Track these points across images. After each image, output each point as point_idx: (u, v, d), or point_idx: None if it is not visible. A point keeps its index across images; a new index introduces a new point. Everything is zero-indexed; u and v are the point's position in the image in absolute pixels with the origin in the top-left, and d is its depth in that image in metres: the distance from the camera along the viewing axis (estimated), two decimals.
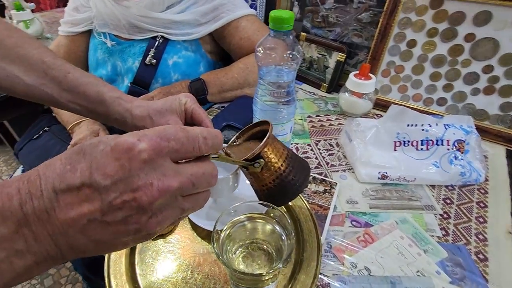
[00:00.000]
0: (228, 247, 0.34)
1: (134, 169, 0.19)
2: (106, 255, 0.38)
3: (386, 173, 0.49)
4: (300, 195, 0.46)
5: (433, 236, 0.42)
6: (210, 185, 0.24)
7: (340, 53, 0.72)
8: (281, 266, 0.28)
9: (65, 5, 1.58)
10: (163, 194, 0.19)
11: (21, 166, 0.77)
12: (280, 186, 0.33)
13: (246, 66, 0.70)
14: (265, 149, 0.32)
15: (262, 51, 0.45)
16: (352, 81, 0.63)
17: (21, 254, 0.18)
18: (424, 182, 0.50)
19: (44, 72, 0.39)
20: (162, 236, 0.41)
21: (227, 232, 0.33)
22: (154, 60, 0.72)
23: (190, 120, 0.42)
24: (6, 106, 0.81)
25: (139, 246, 0.40)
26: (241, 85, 0.70)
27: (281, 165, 0.33)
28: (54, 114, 0.79)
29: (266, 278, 0.30)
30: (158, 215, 0.20)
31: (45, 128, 0.78)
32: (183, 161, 0.22)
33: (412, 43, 0.64)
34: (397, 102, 0.69)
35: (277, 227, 0.33)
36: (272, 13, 0.41)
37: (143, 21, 0.70)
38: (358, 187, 0.50)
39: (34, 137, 0.76)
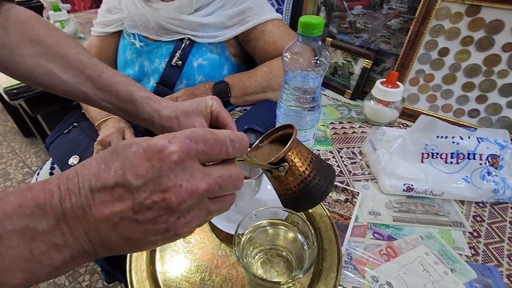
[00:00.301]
0: (248, 251, 0.34)
1: (164, 170, 0.19)
2: (128, 255, 0.39)
3: (411, 185, 0.48)
4: (321, 203, 0.45)
5: (461, 254, 0.40)
6: (236, 188, 0.24)
7: (366, 60, 0.71)
8: (301, 276, 0.28)
9: (97, 7, 1.65)
10: (191, 195, 0.20)
11: (51, 158, 0.81)
12: (305, 190, 0.33)
13: (270, 70, 0.70)
14: (290, 153, 0.32)
15: (289, 56, 0.44)
16: (379, 88, 0.62)
17: (59, 248, 0.19)
18: (452, 197, 0.48)
19: (80, 71, 0.41)
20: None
21: (248, 236, 0.33)
22: (180, 62, 0.74)
23: (215, 123, 0.42)
24: (40, 101, 0.86)
25: None
26: (264, 89, 0.70)
27: (306, 169, 0.32)
28: (83, 111, 0.83)
29: (285, 286, 0.30)
30: (185, 216, 0.21)
31: (75, 123, 0.82)
32: (211, 164, 0.23)
33: (444, 52, 0.62)
34: (425, 112, 0.66)
35: (299, 236, 0.33)
36: (302, 19, 0.41)
37: (171, 23, 0.72)
38: (381, 198, 0.48)
39: (64, 131, 0.79)
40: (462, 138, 0.48)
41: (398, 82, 0.62)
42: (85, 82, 0.41)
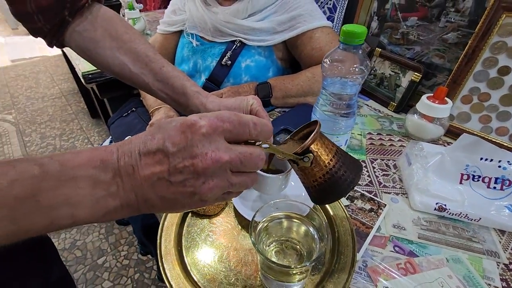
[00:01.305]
0: (263, 239, 0.36)
1: (195, 140, 0.23)
2: (161, 222, 0.44)
3: (445, 205, 0.45)
4: (344, 209, 0.46)
5: (490, 285, 0.38)
6: (256, 166, 0.26)
7: (415, 73, 0.68)
8: (307, 264, 0.30)
9: (165, 7, 1.82)
10: (215, 163, 0.23)
11: (110, 137, 0.93)
12: (331, 181, 0.33)
13: (313, 76, 0.71)
14: (314, 144, 0.32)
15: (329, 62, 0.46)
16: (424, 103, 0.59)
17: (113, 196, 0.24)
18: (491, 225, 0.45)
19: (146, 64, 0.48)
20: (209, 216, 0.46)
21: (265, 225, 0.36)
22: (229, 62, 0.79)
23: None
24: (108, 86, 0.99)
25: (188, 220, 0.45)
26: (305, 93, 0.72)
27: (331, 160, 0.33)
28: (141, 98, 0.93)
29: (294, 272, 0.32)
30: (209, 182, 0.24)
31: (133, 108, 0.92)
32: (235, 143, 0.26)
33: (504, 70, 0.57)
34: (476, 133, 0.62)
35: (311, 229, 0.34)
36: (345, 27, 0.42)
37: (226, 26, 0.78)
38: (409, 214, 0.47)
39: (124, 114, 0.90)
40: (510, 163, 0.45)
41: (446, 98, 0.59)
42: (148, 74, 0.48)
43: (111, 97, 1.04)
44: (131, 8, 1.20)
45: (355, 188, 0.51)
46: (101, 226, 1.41)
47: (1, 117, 2.22)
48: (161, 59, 0.49)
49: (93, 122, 2.14)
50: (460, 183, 0.47)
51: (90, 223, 0.24)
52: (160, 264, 0.38)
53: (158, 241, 0.41)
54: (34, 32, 0.47)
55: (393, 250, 0.42)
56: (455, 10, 0.62)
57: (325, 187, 0.34)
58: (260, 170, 0.41)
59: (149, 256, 1.27)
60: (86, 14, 0.47)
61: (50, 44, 0.49)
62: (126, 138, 0.26)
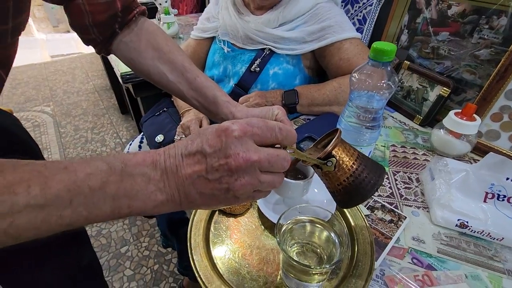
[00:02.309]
0: (287, 240, 0.39)
1: (228, 142, 0.26)
2: (191, 217, 0.48)
3: (467, 222, 0.46)
4: (364, 218, 0.47)
5: None
6: (283, 167, 0.29)
7: (444, 88, 0.68)
8: (327, 266, 0.32)
9: (197, 12, 1.90)
10: (246, 162, 0.27)
11: (141, 134, 0.99)
12: (355, 184, 0.35)
13: (339, 86, 0.73)
14: (336, 149, 0.34)
15: (357, 77, 0.48)
16: (452, 119, 0.59)
17: (161, 191, 0.28)
18: None
19: (182, 73, 0.52)
20: (234, 215, 0.49)
21: (289, 227, 0.38)
22: (258, 68, 0.82)
23: None
24: (143, 87, 1.06)
25: (215, 217, 0.49)
26: (331, 102, 0.73)
27: (353, 163, 0.35)
28: (172, 99, 0.99)
29: (313, 272, 0.34)
30: (241, 179, 0.27)
31: (165, 108, 0.98)
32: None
33: None
34: (505, 152, 0.61)
35: (333, 235, 0.36)
36: (375, 45, 0.44)
37: (257, 35, 0.81)
38: (429, 228, 0.48)
39: (156, 114, 0.96)
40: None
41: (475, 115, 0.58)
42: (183, 82, 0.53)
43: (144, 96, 1.11)
44: (167, 13, 1.27)
45: (376, 197, 0.52)
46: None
47: (40, 109, 2.39)
48: (196, 69, 0.54)
49: (122, 118, 2.26)
50: (484, 201, 0.47)
51: (143, 214, 0.29)
52: (190, 255, 0.42)
53: (188, 234, 0.45)
54: (87, 42, 0.53)
55: (411, 262, 0.43)
56: (489, 27, 0.61)
57: (350, 190, 0.35)
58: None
59: (169, 249, 1.33)
60: (133, 26, 0.53)
61: (99, 52, 0.55)
62: (156, 139, 0.31)
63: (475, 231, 0.46)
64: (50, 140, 2.03)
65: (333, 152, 0.34)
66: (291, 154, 0.30)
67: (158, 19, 1.37)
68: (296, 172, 0.48)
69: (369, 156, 0.55)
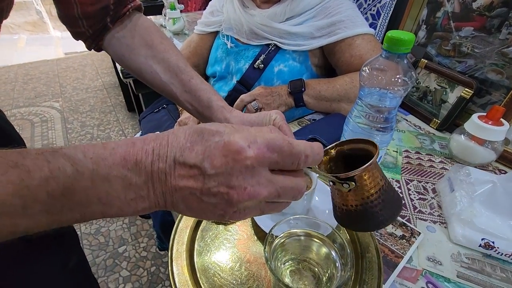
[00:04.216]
0: (279, 256, 0.33)
1: (235, 170, 0.21)
2: (176, 223, 0.43)
3: (493, 242, 0.39)
4: (372, 233, 0.41)
5: None
6: (294, 199, 0.25)
7: (466, 88, 0.62)
8: None
9: (205, 8, 1.86)
10: (251, 198, 0.22)
11: (141, 131, 0.96)
12: (362, 213, 0.31)
13: (351, 80, 0.67)
14: (362, 175, 0.30)
15: (368, 71, 0.42)
16: (475, 123, 0.53)
17: (143, 199, 0.23)
18: None
19: (176, 74, 0.48)
20: (225, 223, 0.44)
21: (282, 241, 0.33)
22: (262, 65, 0.77)
23: None
24: (143, 83, 1.02)
25: (203, 224, 0.44)
26: (340, 97, 0.67)
27: (371, 195, 0.30)
28: None
29: None
30: (241, 212, 0.23)
31: (164, 105, 0.94)
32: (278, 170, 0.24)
33: None
34: None
35: (334, 254, 0.31)
36: (389, 33, 0.38)
37: (262, 29, 0.76)
38: (447, 247, 0.41)
39: (155, 110, 0.92)
40: None
41: (502, 120, 0.52)
42: (177, 84, 0.48)
43: (145, 92, 1.08)
44: (173, 8, 1.24)
45: None
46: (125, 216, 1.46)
47: (49, 104, 2.41)
48: (191, 71, 0.49)
49: (129, 115, 2.25)
50: None
51: (118, 217, 0.24)
52: (169, 267, 0.37)
53: (171, 242, 0.40)
54: (76, 35, 0.49)
55: (426, 287, 0.37)
56: None
57: (353, 216, 0.31)
58: None
59: (166, 251, 1.29)
60: (126, 22, 0.49)
61: (89, 47, 0.51)
62: (163, 133, 0.24)
63: (502, 253, 0.39)
64: (56, 136, 2.04)
65: (356, 177, 0.29)
66: (307, 169, 0.26)
67: (164, 15, 1.34)
68: None
69: (380, 162, 0.49)
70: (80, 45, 0.50)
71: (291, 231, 0.33)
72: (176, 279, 0.35)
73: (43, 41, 3.77)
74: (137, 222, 1.43)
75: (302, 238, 0.33)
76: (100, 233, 1.38)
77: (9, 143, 0.52)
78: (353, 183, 0.29)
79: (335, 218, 0.34)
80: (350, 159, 0.33)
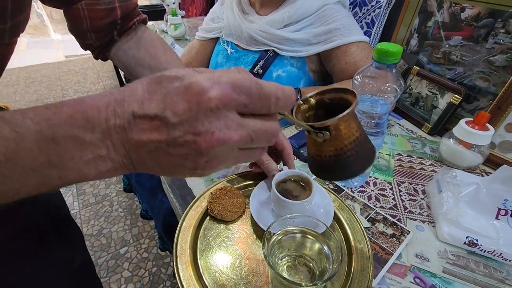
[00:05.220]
0: (276, 252, 0.36)
1: (200, 114, 0.20)
2: (179, 223, 0.45)
3: (476, 240, 0.42)
4: (364, 231, 0.44)
5: None
6: (269, 143, 0.24)
7: (455, 95, 0.65)
8: (318, 284, 0.29)
9: (205, 14, 1.90)
10: (221, 144, 0.20)
11: None
12: (334, 164, 0.31)
13: None
14: (338, 124, 0.29)
15: (360, 80, 0.45)
16: (462, 128, 0.56)
17: (104, 159, 0.21)
18: None
19: None
20: (226, 222, 0.46)
21: (278, 238, 0.36)
22: (261, 70, 0.80)
23: (273, 147, 0.47)
24: None
25: (205, 223, 0.46)
26: None
27: (345, 145, 0.30)
28: None
29: None
30: (213, 161, 0.22)
31: None
32: (249, 114, 0.22)
33: None
34: None
35: (326, 248, 0.34)
36: (379, 45, 0.41)
37: (261, 35, 0.79)
38: (435, 245, 0.44)
39: None
40: None
41: (488, 125, 0.55)
42: None
43: None
44: (174, 14, 1.27)
45: (378, 208, 0.49)
46: (126, 218, 1.48)
47: None
48: None
49: None
50: (496, 218, 0.44)
51: (85, 182, 0.23)
52: (174, 263, 0.39)
53: (175, 241, 0.42)
54: (85, 46, 0.52)
55: (413, 282, 0.39)
56: (505, 31, 0.58)
57: (326, 165, 0.32)
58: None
59: (167, 252, 1.31)
60: (132, 34, 0.52)
61: (96, 57, 0.54)
62: (119, 88, 0.22)
63: (485, 251, 0.42)
64: None
65: (331, 127, 0.29)
66: (280, 116, 0.25)
67: (166, 20, 1.37)
68: (295, 187, 0.45)
69: (374, 164, 0.52)
70: (81, 49, 0.53)
71: (288, 228, 0.36)
72: (181, 275, 0.38)
73: (44, 44, 3.79)
74: (138, 224, 1.45)
75: (298, 235, 0.36)
76: (102, 235, 1.40)
77: None
78: (327, 133, 0.29)
79: (309, 167, 0.34)
80: (330, 109, 0.32)
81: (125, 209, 1.53)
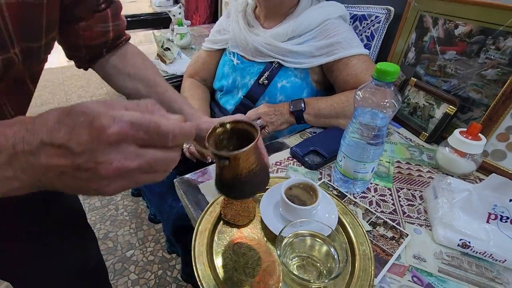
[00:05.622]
0: (287, 253, 0.40)
1: (100, 146, 0.22)
2: (196, 227, 0.49)
3: (469, 242, 0.46)
4: (366, 234, 0.48)
5: None
6: (168, 169, 0.26)
7: (450, 106, 0.69)
8: (326, 281, 0.33)
9: (209, 23, 1.94)
10: (120, 171, 0.23)
11: None
12: (230, 185, 0.37)
13: (347, 99, 0.74)
14: (235, 157, 0.34)
15: (361, 95, 0.49)
16: (456, 138, 0.60)
17: (10, 179, 0.24)
18: None
19: (153, 87, 0.57)
20: (238, 226, 0.50)
21: (290, 240, 0.39)
22: (266, 81, 0.85)
23: None
24: None
25: (219, 227, 0.50)
26: (337, 114, 0.74)
27: (241, 174, 0.35)
28: None
29: (312, 286, 0.35)
30: (114, 184, 0.24)
31: None
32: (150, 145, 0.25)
33: None
34: (511, 172, 0.60)
35: (332, 250, 0.37)
36: (379, 65, 0.45)
37: (266, 48, 0.83)
38: (431, 247, 0.48)
39: None
40: None
41: (480, 135, 0.59)
42: (155, 96, 0.57)
43: None
44: (180, 24, 1.31)
45: (378, 213, 0.53)
46: (132, 221, 1.51)
47: None
48: (166, 85, 0.59)
49: None
50: (487, 222, 0.47)
51: None
52: (193, 264, 0.43)
53: (193, 243, 0.46)
54: (72, 57, 0.56)
55: (411, 280, 0.43)
56: (496, 48, 0.62)
57: (225, 184, 0.38)
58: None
59: (173, 255, 1.34)
60: (118, 50, 0.57)
61: (79, 66, 0.59)
62: (31, 117, 0.25)
63: (477, 252, 0.46)
64: None
65: (231, 158, 0.34)
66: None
67: (172, 30, 1.42)
68: (301, 193, 0.49)
69: (373, 172, 0.56)
70: None
71: (298, 232, 0.40)
72: (200, 274, 0.42)
73: None
74: (143, 228, 1.48)
75: (307, 238, 0.40)
76: (108, 238, 1.43)
77: None
78: (227, 161, 0.34)
79: (214, 183, 0.40)
80: (243, 137, 0.37)
81: (130, 213, 1.57)
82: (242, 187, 0.37)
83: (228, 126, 0.38)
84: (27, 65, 0.40)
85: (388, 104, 0.47)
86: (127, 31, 0.59)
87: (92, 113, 0.23)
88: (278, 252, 0.36)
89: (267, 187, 0.41)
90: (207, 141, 0.36)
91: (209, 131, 0.37)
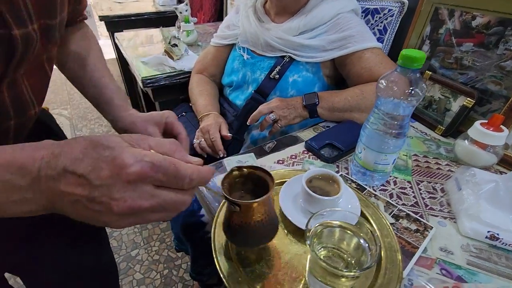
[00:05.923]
0: (314, 243, 0.38)
1: (117, 184, 0.23)
2: (214, 219, 0.48)
3: (497, 234, 0.44)
4: (389, 226, 0.46)
5: None
6: (178, 211, 0.27)
7: (468, 98, 0.68)
8: (358, 272, 0.31)
9: (214, 21, 1.93)
10: (132, 210, 0.24)
11: None
12: (237, 231, 0.38)
13: (361, 92, 0.73)
14: (247, 206, 0.35)
15: (384, 84, 0.48)
16: (477, 129, 0.58)
17: (29, 202, 0.25)
18: None
19: (89, 71, 0.55)
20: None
21: (317, 230, 0.38)
22: (278, 75, 0.83)
23: (170, 131, 0.51)
24: (162, 91, 1.08)
25: None
26: (352, 108, 0.73)
27: (250, 223, 0.36)
28: (190, 104, 1.00)
29: (342, 275, 0.33)
30: (124, 221, 0.25)
31: (183, 113, 1.00)
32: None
33: None
34: None
35: (362, 241, 0.36)
36: (404, 51, 0.44)
37: (277, 42, 0.82)
38: (457, 239, 0.46)
39: None
40: None
41: (502, 126, 0.57)
42: (88, 79, 0.55)
43: (162, 101, 1.13)
44: (187, 21, 1.30)
45: (400, 206, 0.51)
46: None
47: (58, 112, 2.46)
48: (105, 70, 0.57)
49: None
50: None
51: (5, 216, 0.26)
52: (214, 257, 0.41)
53: (212, 236, 0.45)
54: None
55: (440, 273, 0.42)
56: None
57: (231, 230, 0.39)
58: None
59: (179, 254, 1.32)
60: (79, 28, 0.57)
61: None
62: (59, 143, 0.26)
63: (506, 244, 0.44)
64: None
65: (242, 206, 0.35)
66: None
67: (178, 27, 1.41)
68: (322, 184, 0.48)
69: (393, 164, 0.54)
70: None
71: (327, 221, 0.38)
72: (222, 266, 0.40)
73: None
74: (148, 227, 1.46)
75: (336, 229, 0.38)
76: (112, 237, 1.41)
77: (50, 135, 0.59)
78: (237, 207, 0.34)
79: (222, 225, 0.41)
80: (259, 183, 0.38)
81: None
82: (247, 235, 0.38)
83: (245, 170, 0.39)
84: (44, 44, 0.39)
85: (413, 92, 0.46)
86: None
87: (117, 149, 0.24)
88: (308, 241, 0.34)
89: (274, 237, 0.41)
90: (221, 184, 0.37)
91: (226, 174, 0.38)
